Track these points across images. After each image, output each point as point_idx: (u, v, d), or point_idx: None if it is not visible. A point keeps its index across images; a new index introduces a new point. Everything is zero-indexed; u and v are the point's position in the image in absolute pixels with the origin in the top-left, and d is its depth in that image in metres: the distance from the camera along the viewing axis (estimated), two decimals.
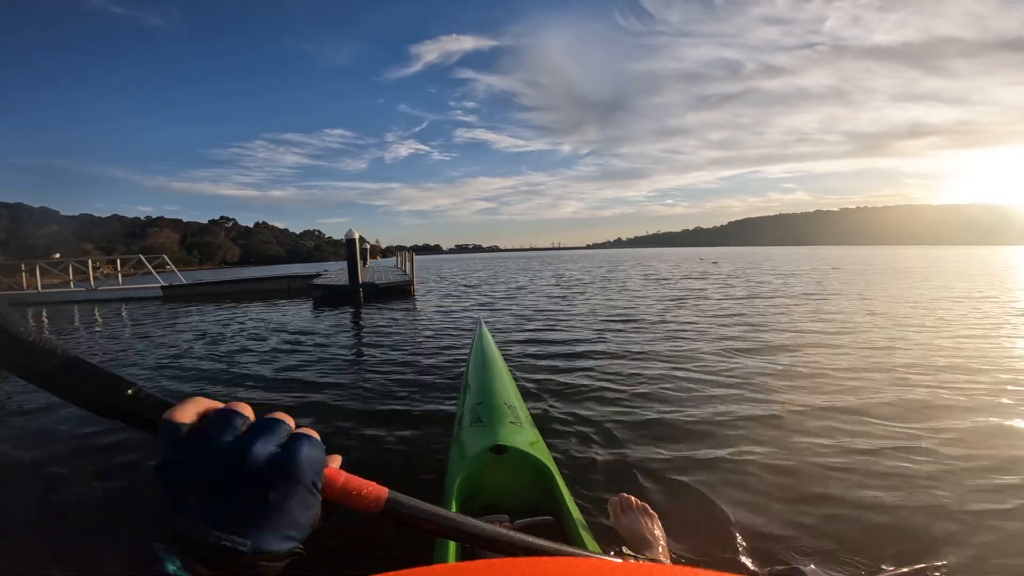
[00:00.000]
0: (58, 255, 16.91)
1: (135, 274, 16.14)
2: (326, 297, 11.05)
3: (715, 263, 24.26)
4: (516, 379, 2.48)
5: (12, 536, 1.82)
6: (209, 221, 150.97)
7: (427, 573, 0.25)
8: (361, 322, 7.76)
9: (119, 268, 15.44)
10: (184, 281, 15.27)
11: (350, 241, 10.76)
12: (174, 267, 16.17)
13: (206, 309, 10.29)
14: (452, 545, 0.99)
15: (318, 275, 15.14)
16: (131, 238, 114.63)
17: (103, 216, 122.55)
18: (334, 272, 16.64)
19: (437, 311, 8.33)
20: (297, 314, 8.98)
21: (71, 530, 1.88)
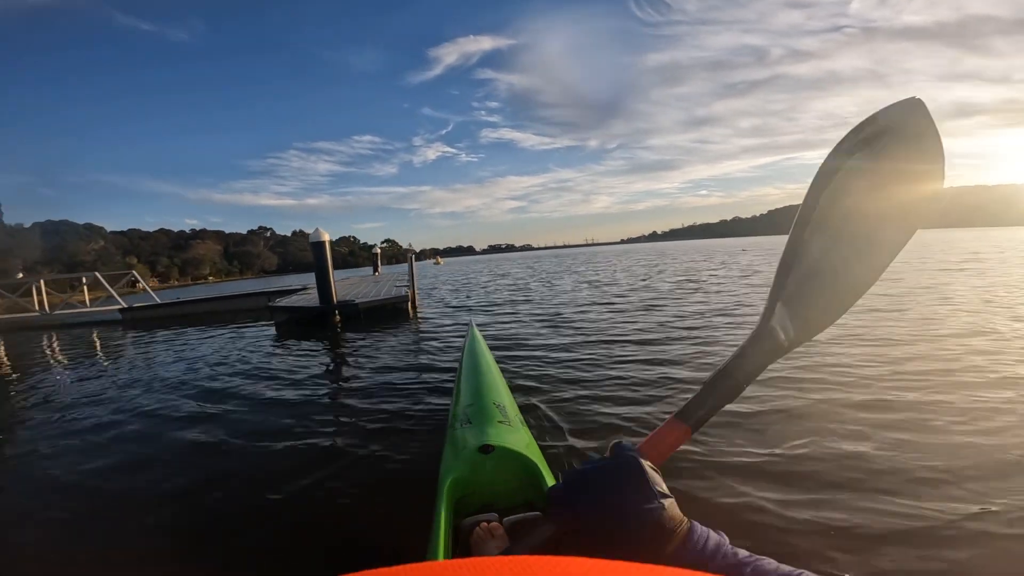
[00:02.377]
0: (21, 275, 14.93)
1: (98, 298, 13.76)
2: (292, 322, 8.15)
3: None
4: (507, 379, 2.35)
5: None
6: (248, 231, 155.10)
7: (419, 570, 0.24)
8: (320, 362, 5.18)
9: (83, 284, 13.16)
10: (157, 300, 12.90)
11: (317, 244, 7.78)
12: (145, 284, 13.81)
13: (159, 338, 8.32)
14: (441, 542, 0.99)
15: (302, 288, 12.31)
16: (176, 250, 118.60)
17: (150, 230, 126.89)
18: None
19: (438, 346, 5.20)
20: (247, 347, 6.48)
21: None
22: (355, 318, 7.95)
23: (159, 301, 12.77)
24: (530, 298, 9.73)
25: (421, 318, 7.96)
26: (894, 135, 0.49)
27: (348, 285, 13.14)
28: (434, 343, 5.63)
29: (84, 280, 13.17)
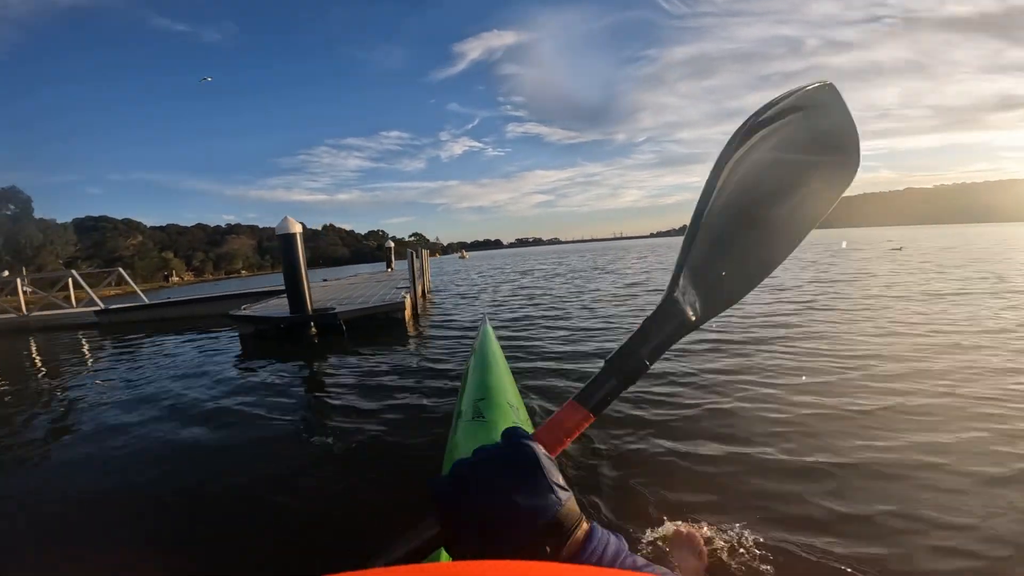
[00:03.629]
0: (7, 273, 14.03)
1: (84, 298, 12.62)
2: (260, 335, 6.51)
3: (900, 248, 17.29)
4: (517, 380, 2.23)
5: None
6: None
7: (428, 571, 0.24)
8: (272, 398, 3.78)
9: (67, 281, 12.03)
10: (145, 301, 11.66)
11: (286, 237, 6.09)
12: (132, 283, 12.58)
13: (114, 348, 7.32)
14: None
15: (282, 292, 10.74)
16: (211, 245, 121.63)
17: (188, 225, 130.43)
18: (333, 285, 12.35)
19: (435, 387, 3.43)
20: (202, 368, 5.08)
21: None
22: (335, 329, 6.23)
23: (147, 302, 11.52)
24: (564, 316, 7.74)
25: (423, 333, 6.18)
26: (808, 117, 0.48)
27: (347, 285, 11.54)
28: (431, 381, 3.82)
29: (70, 279, 12.04)
